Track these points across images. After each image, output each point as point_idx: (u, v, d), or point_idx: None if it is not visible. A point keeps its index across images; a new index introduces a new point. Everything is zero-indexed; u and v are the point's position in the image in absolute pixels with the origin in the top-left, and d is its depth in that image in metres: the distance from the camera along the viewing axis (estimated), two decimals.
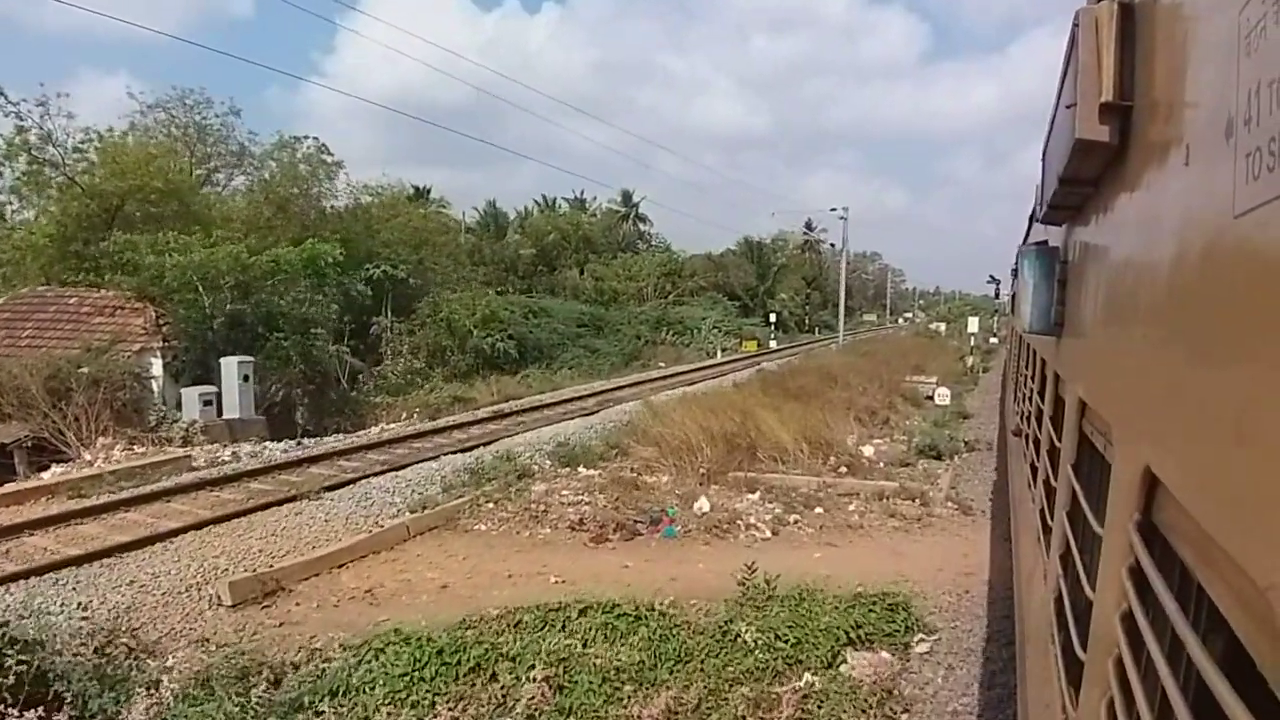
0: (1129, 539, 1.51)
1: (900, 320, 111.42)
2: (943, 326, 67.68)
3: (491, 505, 12.74)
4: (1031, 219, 6.04)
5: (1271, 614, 0.79)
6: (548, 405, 22.67)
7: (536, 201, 78.62)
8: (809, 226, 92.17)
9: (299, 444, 18.85)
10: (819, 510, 12.51)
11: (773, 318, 59.58)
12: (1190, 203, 1.28)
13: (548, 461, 15.71)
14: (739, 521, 11.99)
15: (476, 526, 12.09)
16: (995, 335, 53.89)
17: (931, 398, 26.04)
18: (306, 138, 40.53)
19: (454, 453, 15.93)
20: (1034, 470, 4.94)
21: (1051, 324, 3.41)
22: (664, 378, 31.49)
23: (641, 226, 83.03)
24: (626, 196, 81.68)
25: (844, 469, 14.91)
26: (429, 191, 63.64)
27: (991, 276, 43.01)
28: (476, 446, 16.45)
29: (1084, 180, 2.41)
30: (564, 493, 13.50)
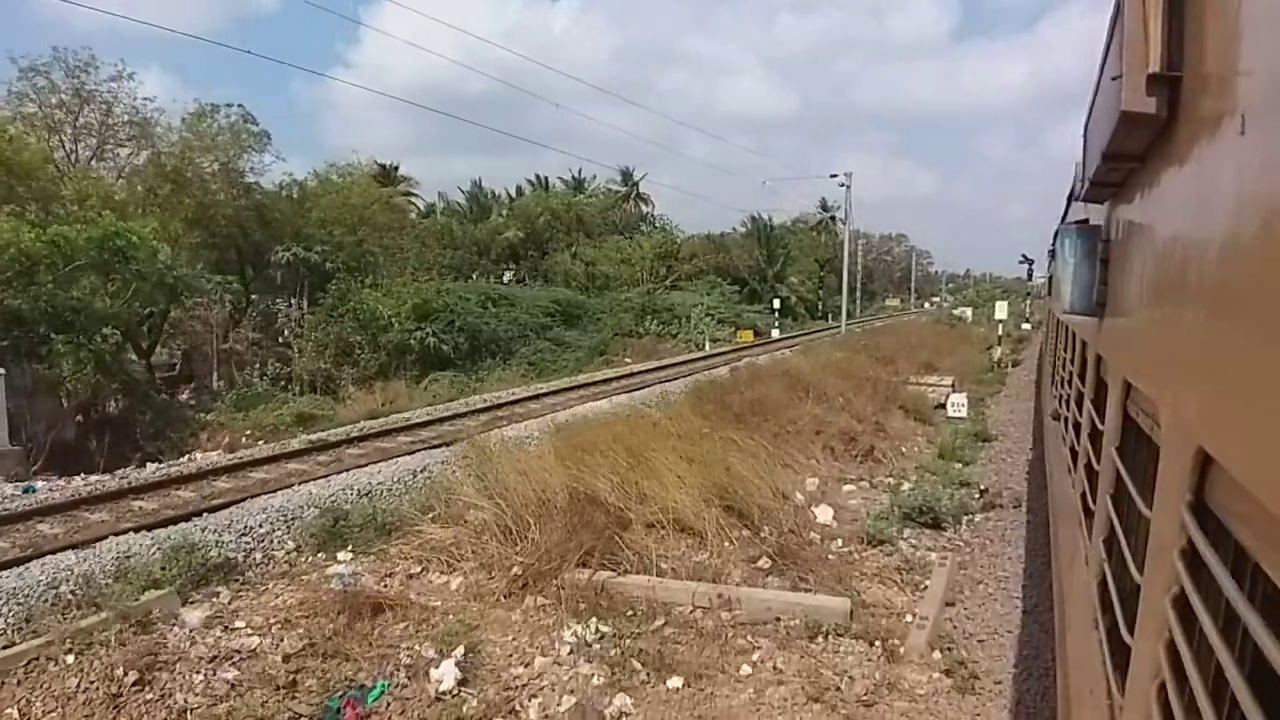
0: (1180, 520, 1.51)
1: (926, 305, 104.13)
2: (969, 312, 60.55)
3: (72, 659, 6.76)
4: (1070, 198, 5.85)
5: None
6: (408, 428, 16.66)
7: (530, 181, 72.94)
8: (824, 206, 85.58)
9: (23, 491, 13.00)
10: (675, 682, 6.36)
11: (777, 304, 52.97)
12: (1245, 175, 1.26)
13: (290, 543, 9.72)
14: (502, 716, 5.93)
15: (8, 710, 6.16)
16: (1027, 320, 47.40)
17: (943, 406, 19.77)
18: (231, 105, 35.13)
19: (153, 526, 9.99)
20: (1074, 454, 4.85)
21: (1093, 304, 3.41)
22: (607, 380, 25.24)
23: (643, 207, 77.23)
24: (626, 175, 75.87)
25: (768, 559, 8.74)
26: (397, 169, 58.13)
27: (1024, 256, 37.51)
28: (199, 513, 10.47)
29: (1129, 155, 2.40)
30: (238, 625, 7.53)
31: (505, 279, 54.35)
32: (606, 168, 78.72)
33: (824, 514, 10.33)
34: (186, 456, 16.48)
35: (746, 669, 6.56)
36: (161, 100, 45.72)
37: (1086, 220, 3.86)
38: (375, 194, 40.57)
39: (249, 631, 7.41)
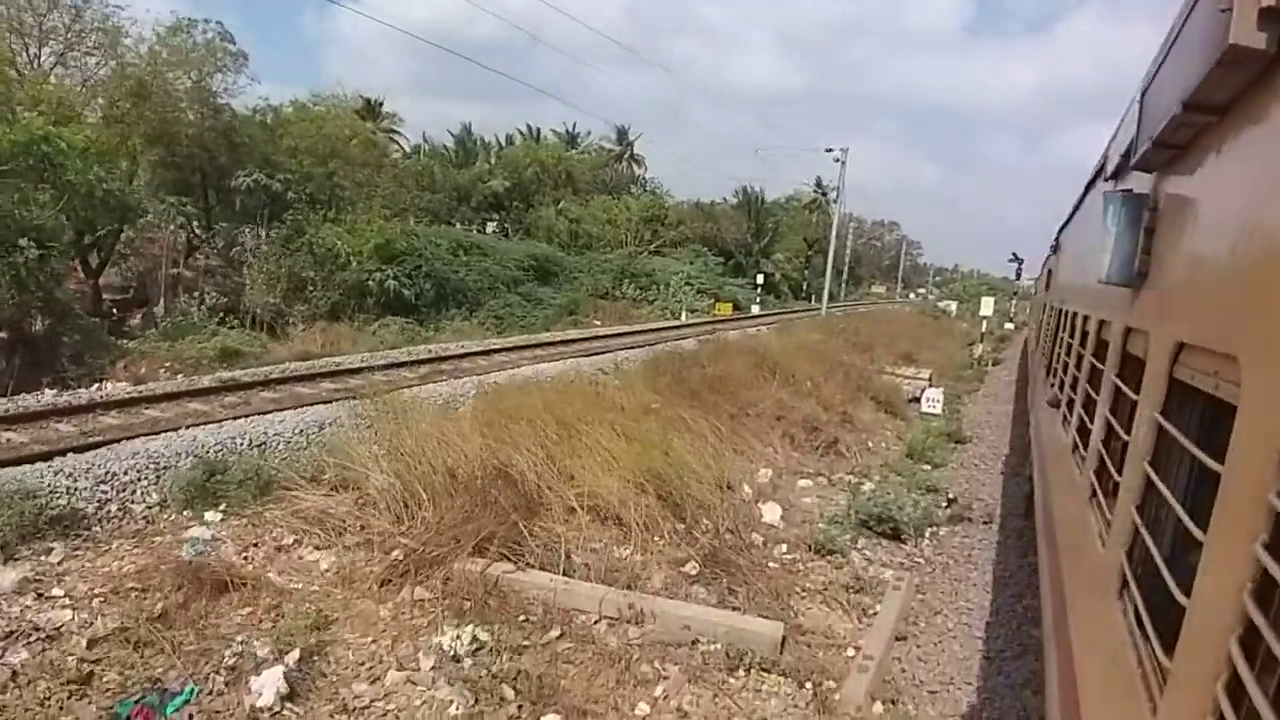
0: (1276, 461, 1.52)
1: (911, 295, 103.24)
2: (953, 306, 59.57)
3: None
4: (1091, 183, 5.82)
5: None
6: (336, 374, 15.21)
7: (520, 131, 70.78)
8: (820, 185, 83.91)
9: None
10: None
11: (760, 279, 51.65)
12: None
13: (155, 496, 8.45)
14: None
15: None
16: (1011, 320, 46.59)
17: (917, 400, 18.68)
18: (209, 21, 33.15)
19: (4, 463, 8.65)
20: (1082, 434, 4.93)
21: (1133, 274, 3.45)
22: (569, 341, 23.90)
23: (636, 169, 75.41)
24: (621, 134, 73.98)
25: (696, 564, 7.55)
26: (381, 104, 55.98)
27: (1014, 255, 36.45)
28: (63, 452, 9.15)
29: (1213, 106, 2.32)
30: (55, 593, 6.31)
31: (489, 229, 52.88)
32: (607, 124, 76.69)
33: (771, 513, 9.15)
34: (96, 385, 15.14)
35: (644, 707, 5.38)
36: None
37: (1130, 190, 3.71)
38: (351, 126, 38.73)
39: (65, 603, 6.16)
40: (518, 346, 21.00)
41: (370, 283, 28.23)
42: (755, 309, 47.30)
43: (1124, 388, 3.79)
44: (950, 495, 10.65)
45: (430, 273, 32.89)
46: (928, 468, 12.79)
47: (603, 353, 20.48)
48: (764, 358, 16.09)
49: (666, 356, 15.49)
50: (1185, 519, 2.21)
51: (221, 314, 21.92)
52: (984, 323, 32.83)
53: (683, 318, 39.37)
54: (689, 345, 19.20)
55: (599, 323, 33.86)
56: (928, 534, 9.31)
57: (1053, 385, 8.67)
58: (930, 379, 21.15)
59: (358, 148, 38.53)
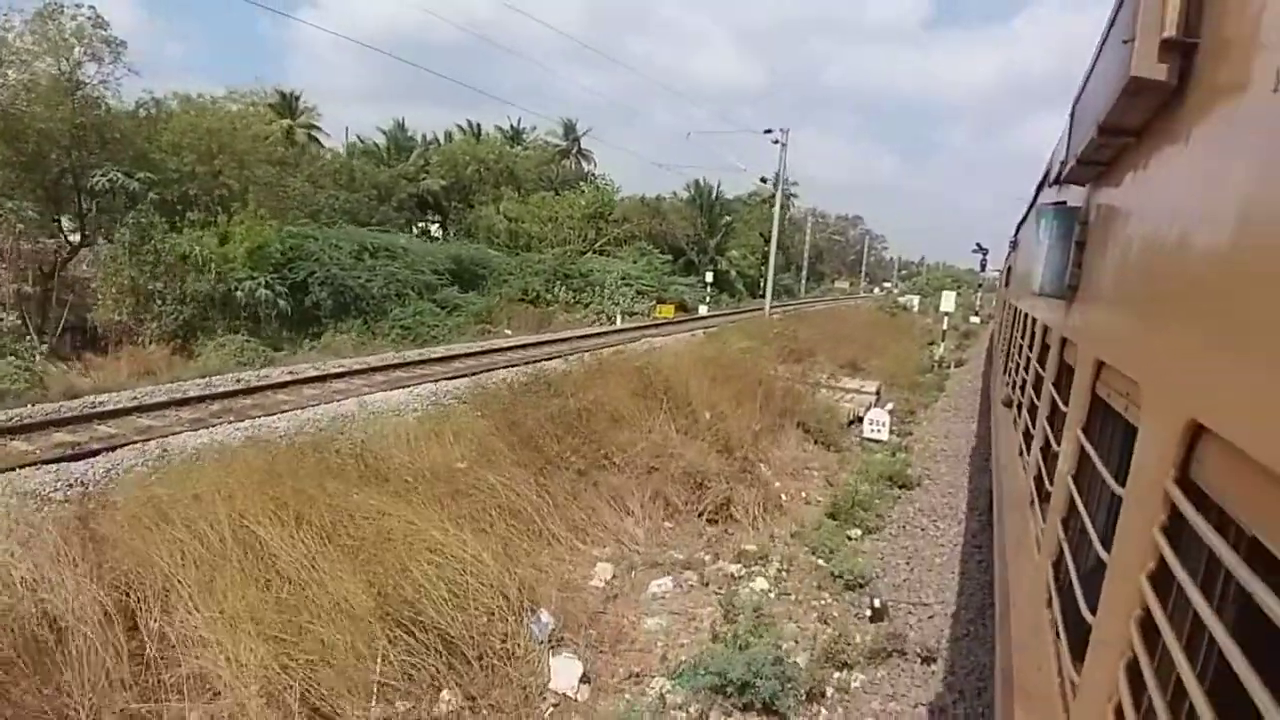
0: (1162, 496, 1.51)
1: (876, 290, 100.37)
2: (915, 300, 56.29)
3: None
4: (1042, 185, 5.75)
5: None
6: (82, 419, 11.29)
7: (460, 127, 66.90)
8: (777, 179, 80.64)
9: None
10: None
11: (709, 277, 48.13)
12: (1263, 150, 1.22)
13: None
14: None
15: None
16: (976, 313, 43.53)
17: (860, 421, 15.22)
18: (80, 5, 29.07)
19: None
20: (1027, 438, 4.90)
21: (1065, 287, 3.38)
22: (449, 359, 19.69)
23: (585, 165, 71.87)
24: (569, 128, 70.52)
25: None
26: (298, 98, 51.92)
27: (978, 245, 35.08)
28: None
29: (1125, 129, 2.32)
30: None
31: (432, 231, 49.48)
32: (552, 120, 73.53)
33: (567, 675, 5.48)
34: None
35: None
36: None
37: (1064, 202, 3.61)
38: (242, 120, 34.78)
39: None
40: (368, 369, 16.99)
41: (238, 293, 24.31)
42: (703, 309, 43.74)
43: (1057, 398, 3.68)
44: (876, 601, 7.04)
45: (327, 279, 29.17)
46: (856, 534, 9.26)
47: (488, 370, 16.78)
48: (652, 381, 12.43)
49: (494, 391, 11.72)
50: (1095, 540, 2.18)
51: (29, 337, 17.93)
52: (945, 319, 29.48)
53: (618, 321, 35.73)
54: (586, 360, 15.55)
55: (509, 332, 30.04)
56: (830, 690, 5.72)
57: (1007, 385, 8.42)
58: (878, 392, 17.70)
59: (248, 143, 34.56)
